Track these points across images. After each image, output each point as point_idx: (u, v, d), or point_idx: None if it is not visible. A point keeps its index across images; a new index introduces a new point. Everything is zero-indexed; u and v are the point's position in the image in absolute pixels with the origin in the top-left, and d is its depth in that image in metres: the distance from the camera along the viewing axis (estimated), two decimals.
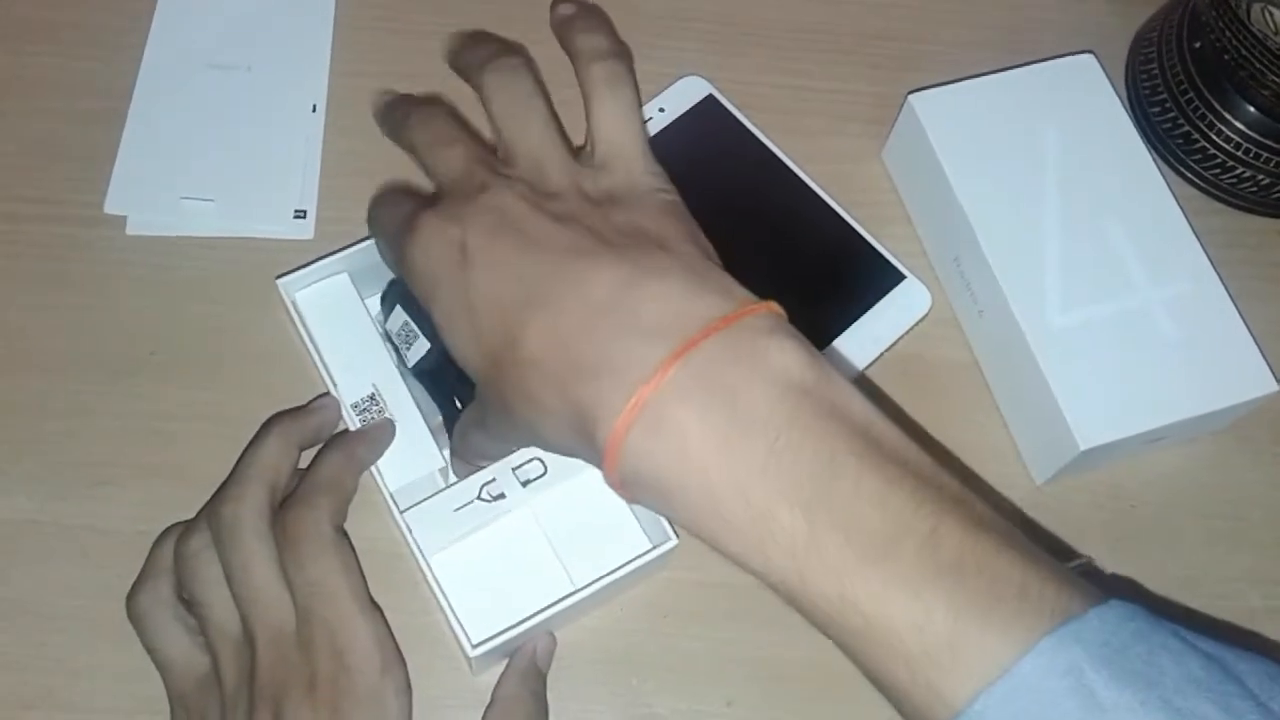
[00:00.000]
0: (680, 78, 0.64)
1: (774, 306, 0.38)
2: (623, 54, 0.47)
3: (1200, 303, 0.56)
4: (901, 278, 0.60)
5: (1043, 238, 0.57)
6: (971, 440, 0.57)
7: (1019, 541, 0.34)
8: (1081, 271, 0.56)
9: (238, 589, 0.46)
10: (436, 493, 0.52)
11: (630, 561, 0.50)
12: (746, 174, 0.62)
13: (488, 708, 0.50)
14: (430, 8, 0.66)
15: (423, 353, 0.52)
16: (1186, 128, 0.63)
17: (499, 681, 0.51)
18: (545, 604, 0.49)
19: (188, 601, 0.48)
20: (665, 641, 0.54)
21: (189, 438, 0.56)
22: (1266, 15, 0.55)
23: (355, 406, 0.53)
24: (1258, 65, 0.58)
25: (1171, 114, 0.64)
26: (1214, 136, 0.62)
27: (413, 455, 0.52)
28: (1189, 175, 0.64)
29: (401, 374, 0.54)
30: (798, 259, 0.60)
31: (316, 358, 0.53)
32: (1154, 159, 0.59)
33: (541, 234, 0.40)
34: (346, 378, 0.53)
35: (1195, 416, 0.54)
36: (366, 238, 0.55)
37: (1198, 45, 0.62)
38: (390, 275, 0.54)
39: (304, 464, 0.51)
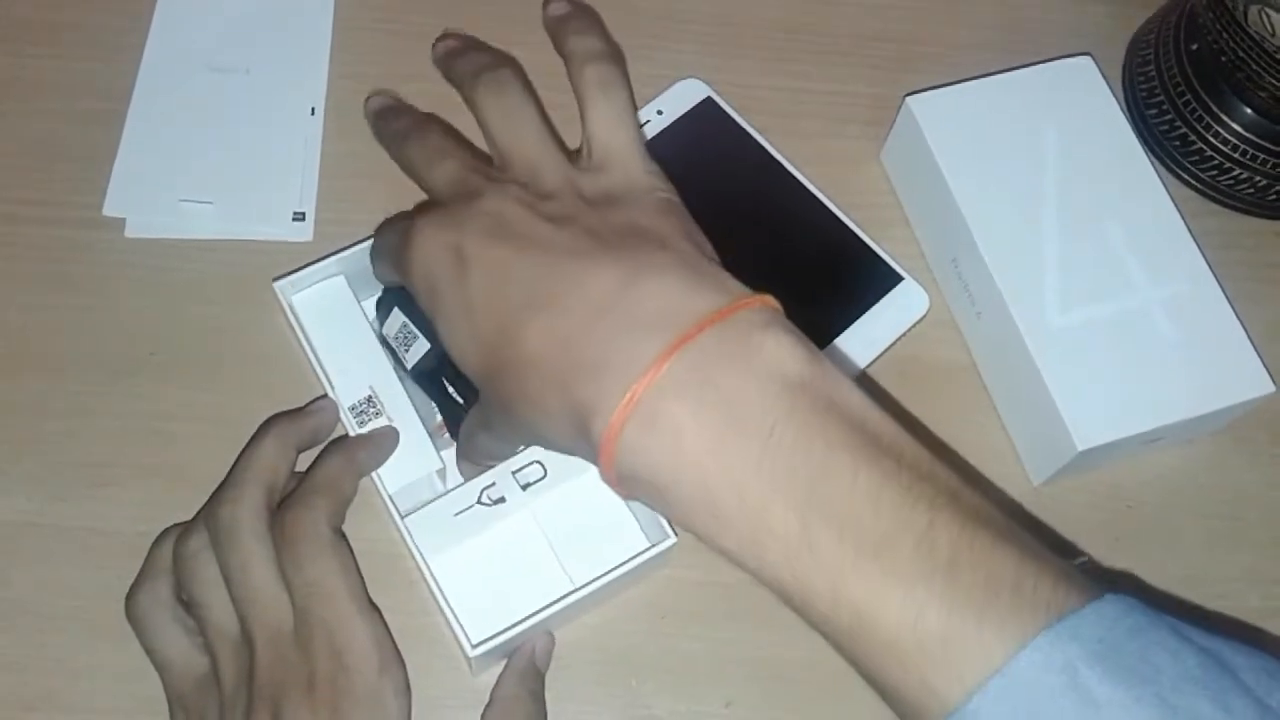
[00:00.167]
0: (678, 80, 0.64)
1: (769, 300, 0.38)
2: (615, 55, 0.47)
3: (1197, 304, 0.56)
4: (899, 279, 0.60)
5: (1040, 239, 0.57)
6: (969, 441, 0.58)
7: (1016, 536, 0.34)
8: (1079, 273, 0.56)
9: (236, 590, 0.46)
10: (437, 497, 0.52)
11: (629, 560, 0.50)
12: (745, 176, 0.62)
13: (486, 708, 0.50)
14: (429, 10, 0.67)
15: (422, 353, 0.52)
16: (1184, 129, 0.63)
17: (498, 682, 0.51)
18: (544, 604, 0.49)
19: (186, 602, 0.48)
20: (664, 642, 0.54)
21: (188, 439, 0.56)
22: (1263, 17, 0.55)
23: (353, 409, 0.53)
24: (1255, 67, 0.58)
25: (1168, 116, 0.64)
26: (1211, 138, 0.62)
27: (411, 457, 0.52)
28: (1186, 177, 0.64)
29: (399, 376, 0.54)
30: (796, 261, 0.60)
31: (314, 360, 0.54)
32: (1151, 161, 0.59)
33: (538, 236, 0.40)
34: (344, 380, 0.53)
35: (1193, 417, 0.54)
36: (364, 240, 0.55)
37: (1195, 47, 0.62)
38: None
39: (302, 467, 0.52)
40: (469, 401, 0.51)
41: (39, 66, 0.64)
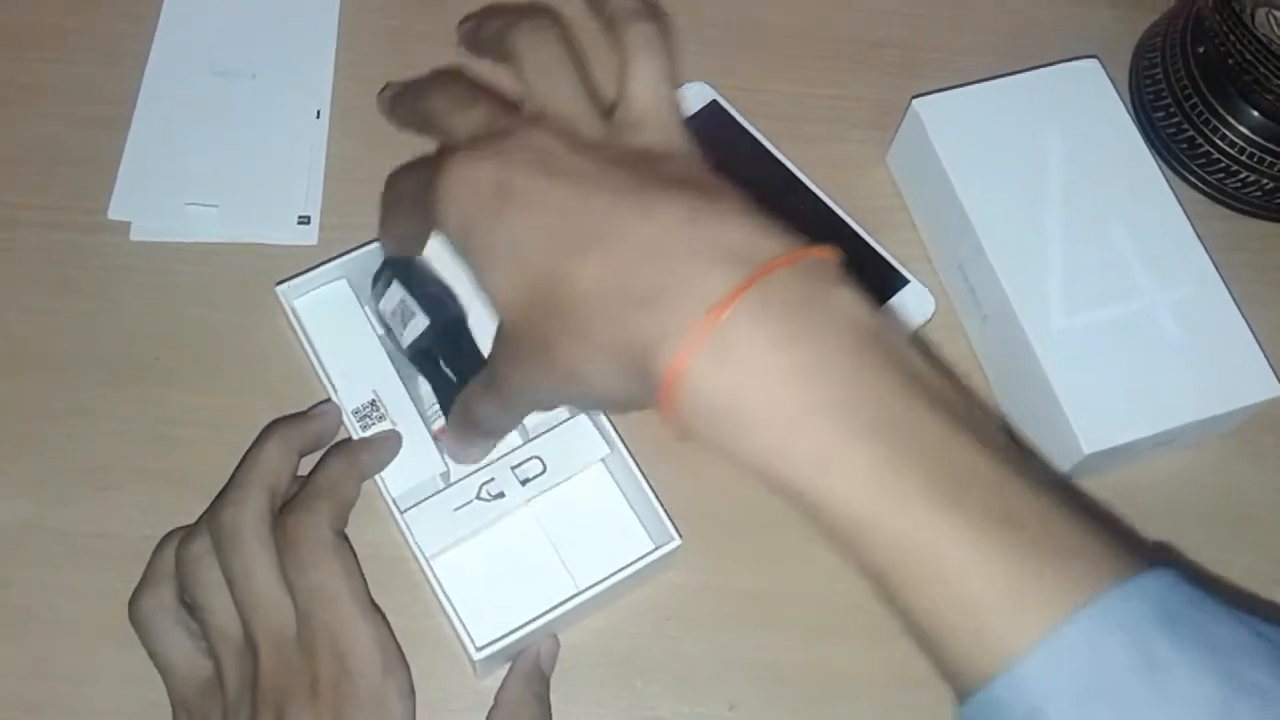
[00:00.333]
0: (685, 84, 0.64)
1: (837, 251, 0.38)
2: (658, 17, 0.45)
3: (1204, 307, 0.56)
4: (905, 282, 0.60)
5: (1047, 242, 0.57)
6: None
7: (1076, 502, 0.34)
8: (1085, 276, 0.56)
9: (239, 594, 0.46)
10: (436, 493, 0.52)
11: (634, 562, 0.50)
12: (751, 179, 0.61)
13: (491, 711, 0.50)
14: (435, 14, 0.67)
15: (421, 329, 0.52)
16: (1190, 132, 0.63)
17: (502, 684, 0.51)
18: (549, 606, 0.49)
19: (189, 606, 0.48)
20: (667, 644, 0.53)
21: (191, 442, 0.56)
22: (1271, 19, 0.55)
23: (356, 413, 0.53)
24: (1262, 70, 0.57)
25: (1175, 119, 0.64)
26: (1218, 141, 0.62)
27: (414, 460, 0.52)
28: (1193, 180, 0.64)
29: (402, 379, 0.54)
30: None
31: (317, 364, 0.53)
32: (1158, 163, 0.59)
33: (588, 172, 0.39)
34: (347, 384, 0.53)
35: (1199, 420, 0.54)
36: (366, 244, 0.55)
37: (1201, 50, 0.62)
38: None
39: (305, 470, 0.51)
40: (464, 380, 0.50)
41: (44, 71, 0.64)
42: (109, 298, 0.59)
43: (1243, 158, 0.62)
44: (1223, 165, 0.62)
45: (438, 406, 0.54)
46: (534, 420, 0.53)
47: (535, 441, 0.53)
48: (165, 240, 0.60)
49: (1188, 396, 0.54)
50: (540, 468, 0.52)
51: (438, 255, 0.52)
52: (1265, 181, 0.62)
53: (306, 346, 0.54)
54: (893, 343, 0.35)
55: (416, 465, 0.52)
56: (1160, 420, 0.53)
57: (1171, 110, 0.64)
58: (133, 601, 0.49)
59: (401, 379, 0.54)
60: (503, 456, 0.53)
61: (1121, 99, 0.60)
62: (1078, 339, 0.54)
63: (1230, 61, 0.59)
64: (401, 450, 0.52)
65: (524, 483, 0.52)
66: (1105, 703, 0.30)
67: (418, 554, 0.50)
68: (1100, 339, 0.54)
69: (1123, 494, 0.57)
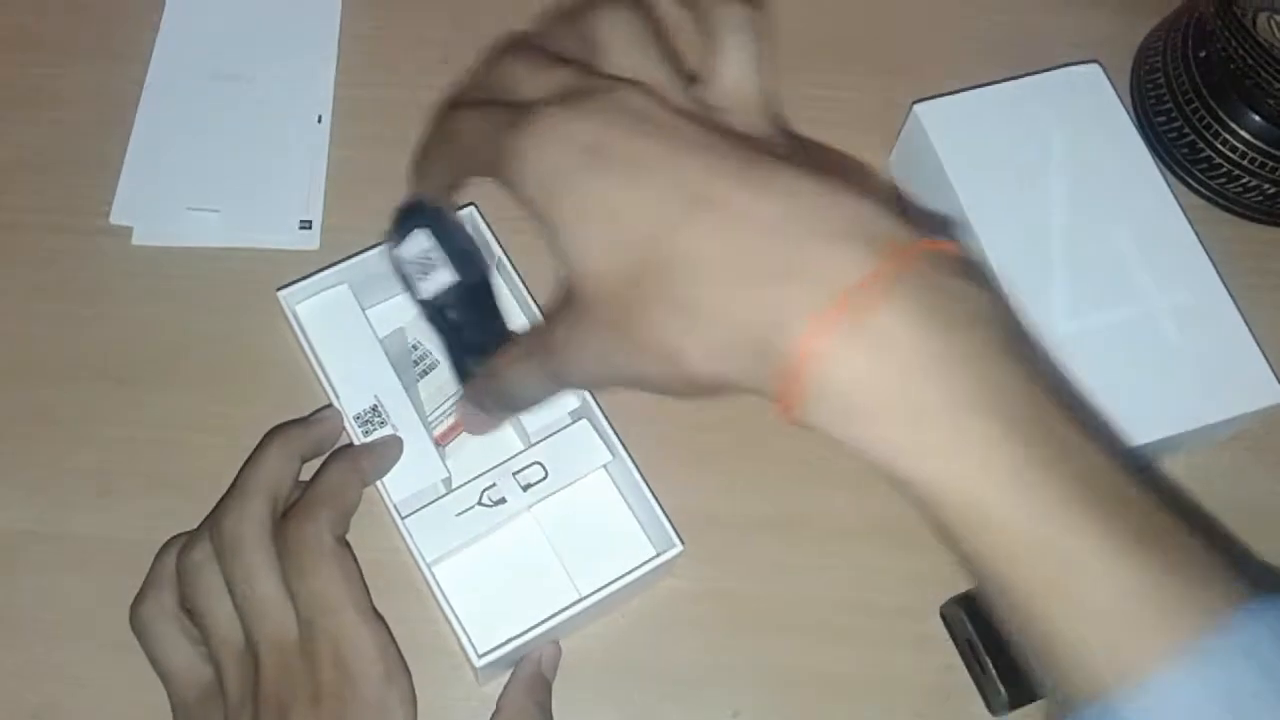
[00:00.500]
0: None
1: (960, 245, 0.37)
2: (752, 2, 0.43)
3: (1206, 312, 0.55)
4: None
5: (1048, 246, 0.57)
6: None
7: (1201, 522, 0.34)
8: (1087, 280, 0.56)
9: (240, 601, 0.46)
10: (437, 499, 0.52)
11: (635, 569, 0.50)
12: None
13: (492, 717, 0.50)
14: (437, 19, 0.67)
15: (445, 284, 0.48)
16: (1192, 137, 0.63)
17: (504, 691, 0.51)
18: (550, 612, 0.49)
19: (191, 612, 0.48)
20: (670, 651, 0.53)
21: (192, 448, 0.56)
22: (1272, 24, 0.55)
23: (357, 418, 0.53)
24: (1264, 74, 0.57)
25: (1177, 123, 0.63)
26: (1219, 145, 0.62)
27: (416, 467, 0.52)
28: (1194, 184, 0.64)
29: (404, 384, 0.54)
30: None
31: (318, 369, 0.53)
32: (1160, 168, 0.59)
33: (695, 137, 0.36)
34: (348, 389, 0.53)
35: (1201, 426, 0.54)
36: (369, 248, 0.55)
37: (1203, 54, 0.62)
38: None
39: (307, 475, 0.51)
40: (481, 346, 0.48)
41: (46, 75, 0.64)
42: (110, 303, 0.59)
43: (1244, 162, 0.62)
44: (1224, 170, 0.62)
45: (438, 412, 0.54)
46: (535, 425, 0.53)
47: (537, 447, 0.53)
48: (167, 245, 0.60)
49: (1189, 402, 0.54)
50: (542, 473, 0.52)
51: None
52: (1267, 186, 0.62)
53: (308, 352, 0.54)
54: (1030, 343, 0.34)
55: (418, 471, 0.52)
56: (1162, 426, 0.53)
57: (1173, 115, 0.64)
58: (134, 608, 0.49)
59: (403, 385, 0.54)
60: (504, 462, 0.53)
61: (1123, 103, 0.60)
62: (1079, 344, 0.54)
63: (1232, 66, 0.59)
64: (403, 456, 0.52)
65: (525, 488, 0.52)
66: None
67: (419, 560, 0.50)
68: (1102, 344, 0.54)
69: None
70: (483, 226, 0.56)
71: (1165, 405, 0.53)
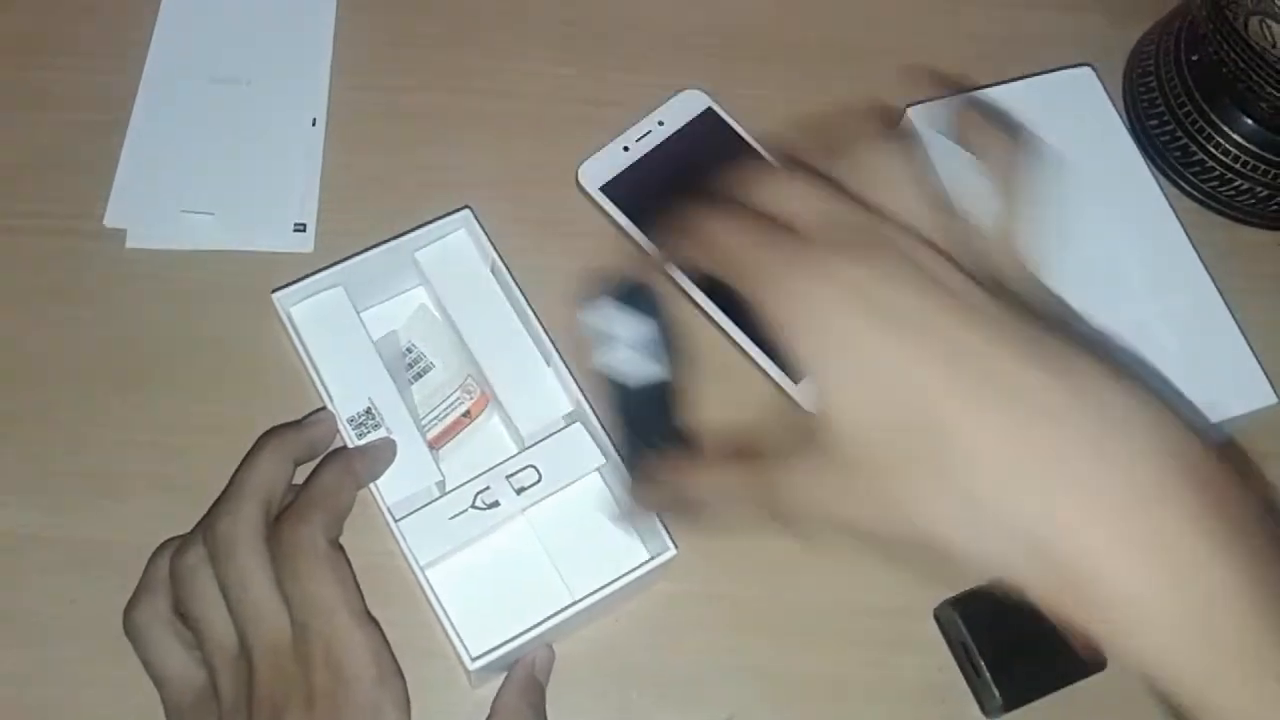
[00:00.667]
0: (679, 91, 0.64)
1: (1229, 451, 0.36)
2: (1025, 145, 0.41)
3: (1199, 315, 0.56)
4: None
5: (1041, 250, 0.57)
6: None
7: None
8: (1080, 283, 0.56)
9: (234, 604, 0.46)
10: (430, 502, 0.52)
11: (629, 573, 0.50)
12: None
13: None
14: (431, 21, 0.67)
15: (655, 378, 0.48)
16: (1184, 140, 0.63)
17: (498, 694, 0.51)
18: (544, 616, 0.49)
19: (184, 616, 0.48)
20: (665, 655, 0.53)
21: (188, 450, 0.56)
22: (1264, 28, 0.55)
23: (351, 420, 0.53)
24: (1255, 78, 0.58)
25: (1169, 127, 0.64)
26: (1212, 149, 0.62)
27: (410, 470, 0.52)
28: (1187, 187, 0.64)
29: (397, 387, 0.54)
30: None
31: (312, 371, 0.53)
32: (1152, 171, 0.59)
33: (980, 303, 0.35)
34: (342, 391, 0.53)
35: None
36: (362, 251, 0.55)
37: (1195, 58, 0.62)
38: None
39: (301, 477, 0.51)
40: (653, 437, 0.48)
41: (40, 78, 0.64)
42: (105, 305, 0.59)
43: (1236, 165, 0.62)
44: (1217, 173, 0.63)
45: (432, 415, 0.54)
46: (529, 429, 0.53)
47: (531, 450, 0.53)
48: (161, 248, 0.60)
49: (1183, 404, 0.54)
50: (535, 477, 0.52)
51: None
52: (1259, 189, 0.62)
53: (302, 354, 0.54)
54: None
55: (411, 474, 0.52)
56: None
57: (1165, 118, 0.64)
58: (127, 611, 0.49)
59: (397, 387, 0.54)
60: (498, 465, 0.53)
61: (1116, 107, 0.60)
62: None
63: (1224, 69, 0.59)
64: (397, 458, 0.52)
65: (519, 492, 0.52)
66: None
67: (411, 563, 0.50)
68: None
69: None
70: (479, 230, 0.56)
71: None
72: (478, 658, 0.48)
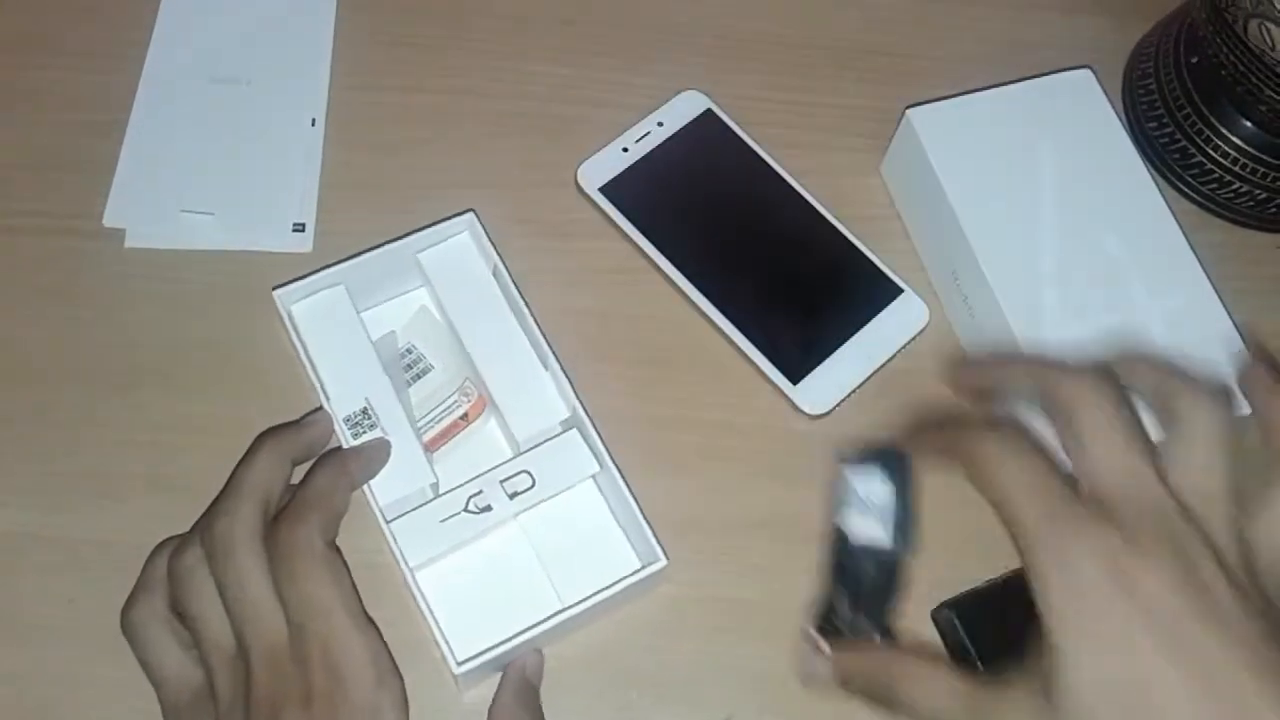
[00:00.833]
0: (679, 92, 0.64)
1: None
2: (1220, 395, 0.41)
3: (1197, 317, 0.56)
4: (900, 291, 0.60)
5: (1040, 252, 0.57)
6: None
7: None
8: (1078, 286, 0.56)
9: (232, 605, 0.46)
10: (423, 504, 0.52)
11: (618, 582, 0.50)
12: (745, 188, 0.62)
13: None
14: (431, 21, 0.67)
15: (874, 540, 0.48)
16: (1183, 143, 0.63)
17: (494, 699, 0.50)
18: (533, 622, 0.49)
19: (182, 616, 0.48)
20: (662, 656, 0.53)
21: (186, 450, 0.56)
22: (1264, 31, 0.55)
23: (348, 420, 0.53)
24: (1255, 81, 0.58)
25: (1168, 129, 0.64)
26: (1211, 152, 0.62)
27: (404, 471, 0.52)
28: (1186, 190, 0.64)
29: (395, 388, 0.54)
30: (796, 273, 0.60)
31: (310, 370, 0.53)
32: (1151, 174, 0.59)
33: (1233, 618, 0.35)
34: (340, 391, 0.53)
35: None
36: (363, 251, 0.55)
37: (1195, 61, 0.62)
38: None
39: (298, 477, 0.51)
40: (872, 607, 0.48)
41: (40, 77, 0.64)
42: (104, 305, 0.59)
43: (1235, 168, 0.62)
44: (1215, 175, 0.63)
45: (430, 417, 0.55)
46: (524, 435, 0.53)
47: (525, 456, 0.53)
48: (160, 247, 0.60)
49: None
50: (529, 482, 0.52)
51: None
52: (1258, 192, 0.62)
53: (300, 352, 0.54)
54: None
55: (405, 475, 0.52)
56: (1155, 430, 0.53)
57: (1164, 121, 0.64)
58: (124, 611, 0.49)
59: (394, 388, 0.54)
60: (492, 469, 0.53)
61: (1115, 109, 0.60)
62: (1070, 349, 0.54)
63: (1223, 72, 0.59)
64: (391, 460, 0.52)
65: (512, 496, 0.52)
66: None
67: (402, 565, 0.50)
68: (1093, 349, 0.54)
69: None
70: (482, 233, 0.56)
71: None
72: (464, 663, 0.48)
